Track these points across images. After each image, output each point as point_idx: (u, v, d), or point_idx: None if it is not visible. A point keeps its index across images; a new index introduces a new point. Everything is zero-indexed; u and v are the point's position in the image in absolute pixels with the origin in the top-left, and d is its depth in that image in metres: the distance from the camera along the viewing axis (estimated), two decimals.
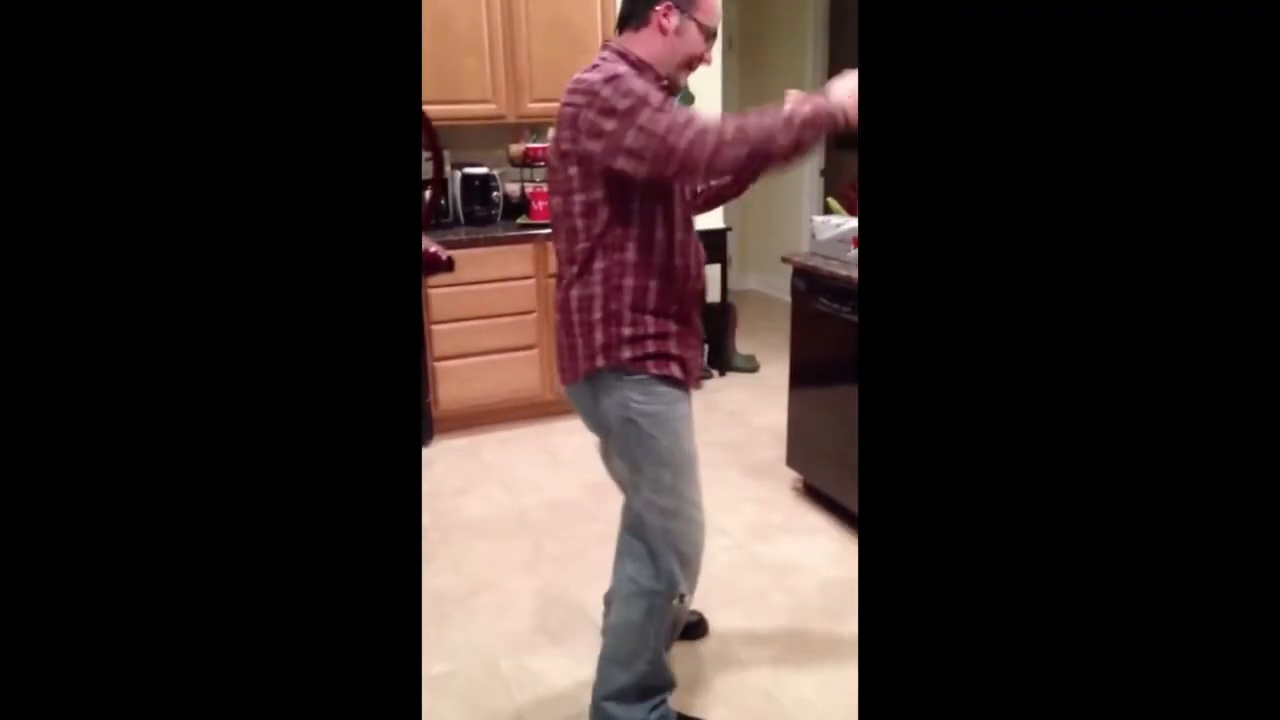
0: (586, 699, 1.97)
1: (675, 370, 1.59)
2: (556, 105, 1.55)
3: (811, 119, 1.39)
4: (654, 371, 1.56)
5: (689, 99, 4.09)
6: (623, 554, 1.77)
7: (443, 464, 3.28)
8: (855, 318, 2.52)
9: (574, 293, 1.57)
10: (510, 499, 2.98)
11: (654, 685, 1.76)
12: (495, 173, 3.65)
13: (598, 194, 1.51)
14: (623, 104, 1.42)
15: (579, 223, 1.54)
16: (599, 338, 1.55)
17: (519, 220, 3.64)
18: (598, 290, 1.55)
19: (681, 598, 1.72)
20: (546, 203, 3.60)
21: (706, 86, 4.16)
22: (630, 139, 1.42)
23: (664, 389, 1.58)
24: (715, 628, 2.23)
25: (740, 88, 5.61)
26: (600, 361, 1.56)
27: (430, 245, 1.57)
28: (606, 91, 1.43)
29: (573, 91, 1.50)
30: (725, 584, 2.43)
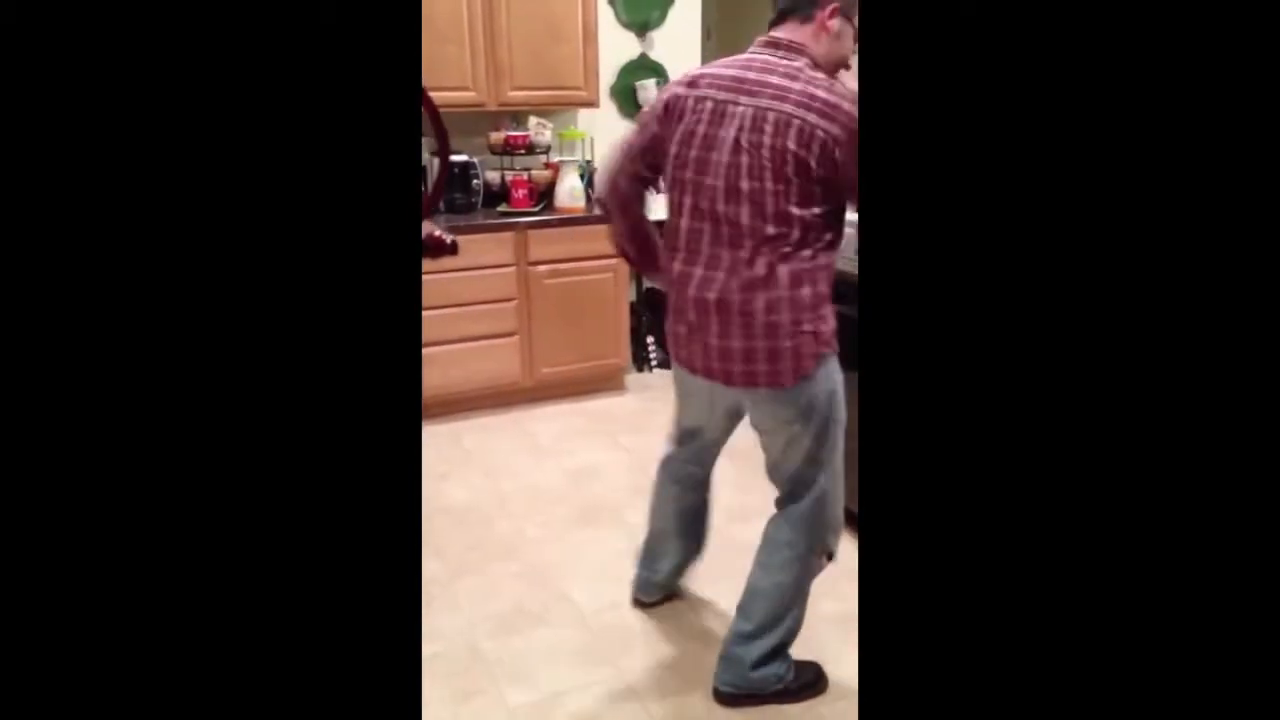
0: (567, 681, 2.01)
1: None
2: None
3: None
4: None
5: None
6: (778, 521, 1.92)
7: (424, 450, 3.30)
8: (839, 307, 2.55)
9: (763, 295, 1.63)
10: (491, 484, 3.01)
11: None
12: (475, 160, 3.66)
13: (803, 208, 1.59)
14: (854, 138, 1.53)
15: (770, 226, 1.60)
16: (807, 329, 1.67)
17: (499, 208, 3.65)
18: (786, 294, 1.63)
19: (831, 556, 1.93)
20: (526, 190, 3.63)
21: None
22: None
23: None
24: (693, 607, 2.28)
25: None
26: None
27: (434, 229, 1.60)
28: (852, 127, 1.53)
29: (823, 115, 1.55)
30: (706, 565, 2.47)
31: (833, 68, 1.66)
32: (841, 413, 1.79)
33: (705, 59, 4.35)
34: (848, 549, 2.55)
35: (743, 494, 2.90)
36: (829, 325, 1.70)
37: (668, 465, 2.14)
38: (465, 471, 3.11)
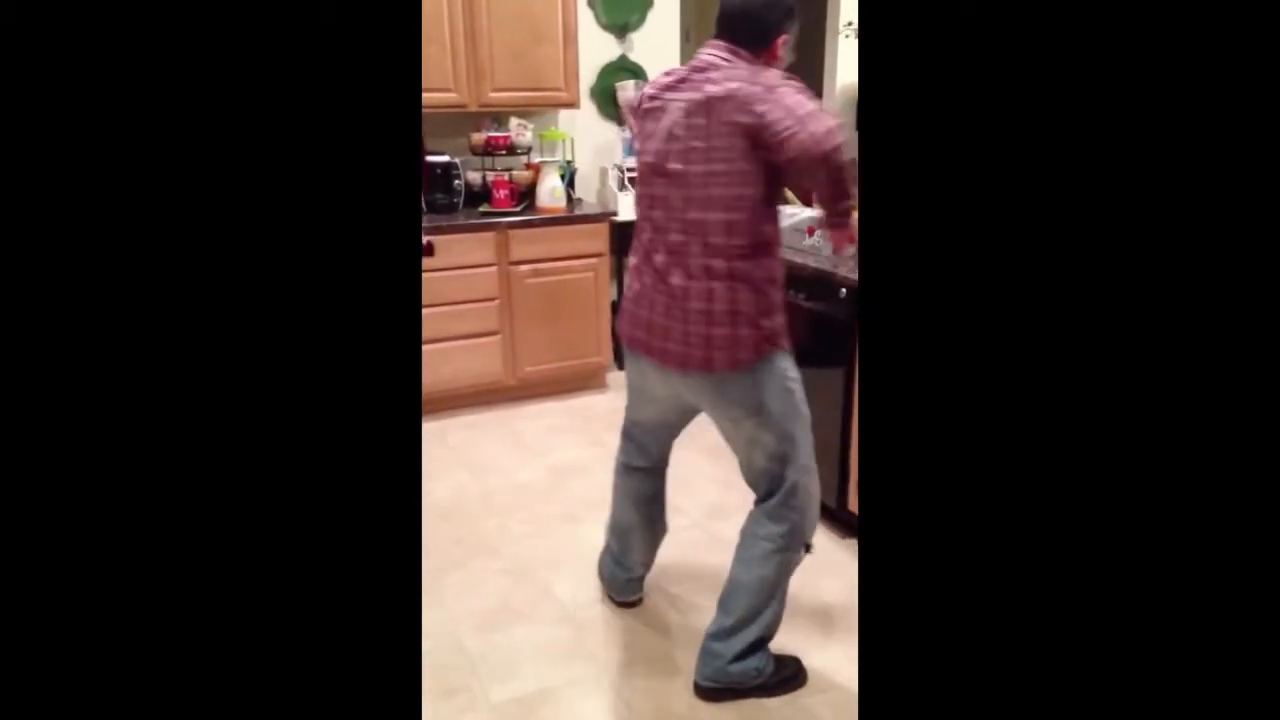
0: (550, 677, 2.04)
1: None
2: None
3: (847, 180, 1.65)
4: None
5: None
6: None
7: None
8: (809, 304, 2.61)
9: (723, 285, 1.71)
10: (475, 481, 3.03)
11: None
12: (457, 161, 3.68)
13: (750, 188, 1.67)
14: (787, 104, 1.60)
15: (721, 213, 1.69)
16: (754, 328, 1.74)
17: (480, 208, 3.67)
18: (726, 286, 1.71)
19: (809, 548, 1.96)
20: (508, 191, 3.65)
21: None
22: (790, 124, 1.60)
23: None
24: (674, 603, 2.31)
25: None
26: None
27: None
28: (786, 103, 1.60)
29: (767, 90, 1.63)
30: (685, 562, 2.51)
31: None
32: (802, 409, 1.85)
33: (684, 60, 4.39)
34: (826, 544, 2.59)
35: (724, 491, 2.94)
36: (774, 322, 1.76)
37: (621, 458, 2.20)
38: (450, 469, 3.13)
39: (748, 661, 1.93)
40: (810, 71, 4.63)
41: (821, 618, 2.24)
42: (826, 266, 2.53)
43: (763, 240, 1.70)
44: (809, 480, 1.88)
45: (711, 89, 1.65)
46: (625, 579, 2.28)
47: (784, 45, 1.75)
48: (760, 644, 1.95)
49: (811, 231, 2.67)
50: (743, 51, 1.71)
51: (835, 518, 2.67)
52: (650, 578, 2.36)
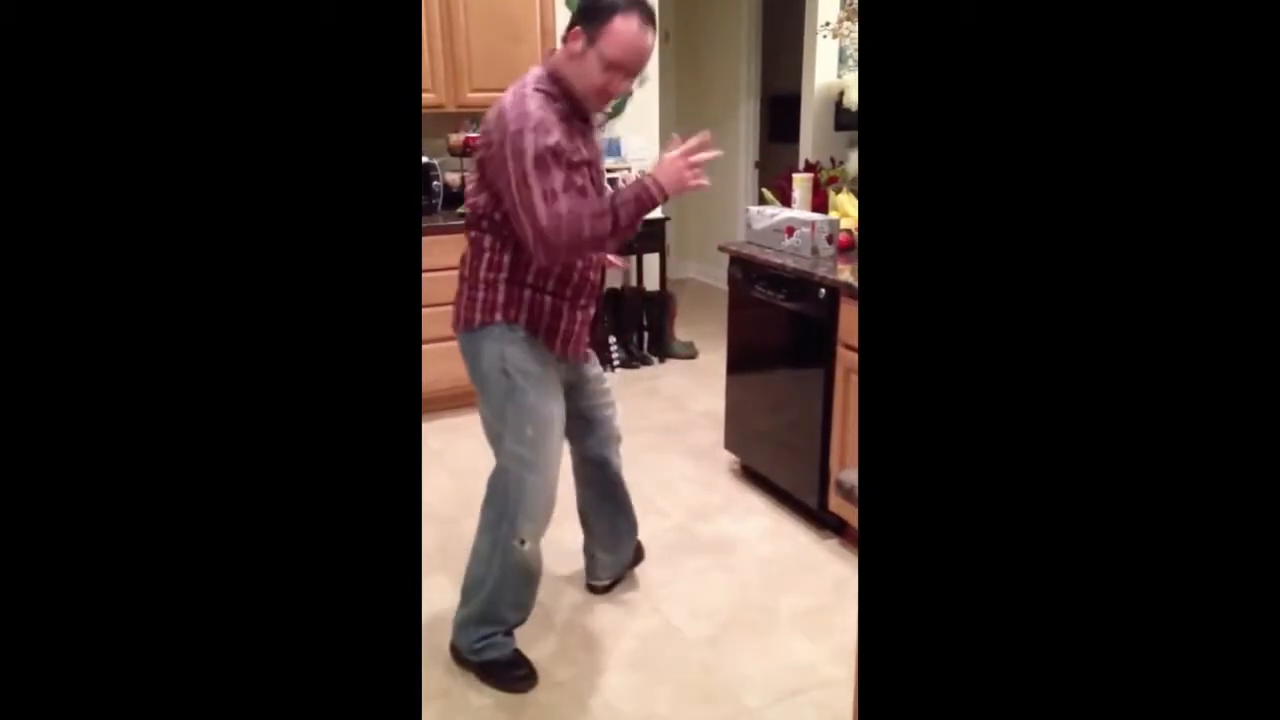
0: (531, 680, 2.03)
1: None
2: (496, 94, 1.68)
3: (632, 201, 1.71)
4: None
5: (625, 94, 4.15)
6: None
7: None
8: (789, 305, 2.61)
9: (471, 249, 1.91)
10: (456, 485, 3.01)
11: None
12: (435, 162, 3.66)
13: (483, 195, 1.81)
14: (514, 163, 1.65)
15: (473, 212, 1.86)
16: (481, 297, 1.86)
17: (459, 210, 3.65)
18: (474, 260, 1.88)
19: (523, 542, 1.94)
20: None
21: (646, 81, 4.21)
22: (514, 196, 1.68)
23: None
24: (656, 606, 2.31)
25: (677, 80, 5.68)
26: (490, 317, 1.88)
27: None
28: (513, 129, 1.65)
29: (500, 106, 1.72)
30: (667, 563, 2.51)
31: (593, 95, 1.77)
32: (525, 400, 1.87)
33: (664, 61, 4.40)
34: (807, 543, 2.59)
35: (705, 492, 2.94)
36: (506, 295, 1.85)
37: None
38: (431, 472, 3.11)
39: (467, 631, 2.01)
40: (790, 71, 4.65)
41: (805, 616, 2.24)
42: (806, 267, 2.53)
43: (499, 224, 1.79)
44: (523, 472, 1.89)
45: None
46: (587, 560, 2.38)
47: (576, 38, 1.73)
48: (479, 621, 2.00)
49: (790, 232, 2.68)
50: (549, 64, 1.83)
51: (816, 518, 2.68)
52: (631, 580, 2.36)
